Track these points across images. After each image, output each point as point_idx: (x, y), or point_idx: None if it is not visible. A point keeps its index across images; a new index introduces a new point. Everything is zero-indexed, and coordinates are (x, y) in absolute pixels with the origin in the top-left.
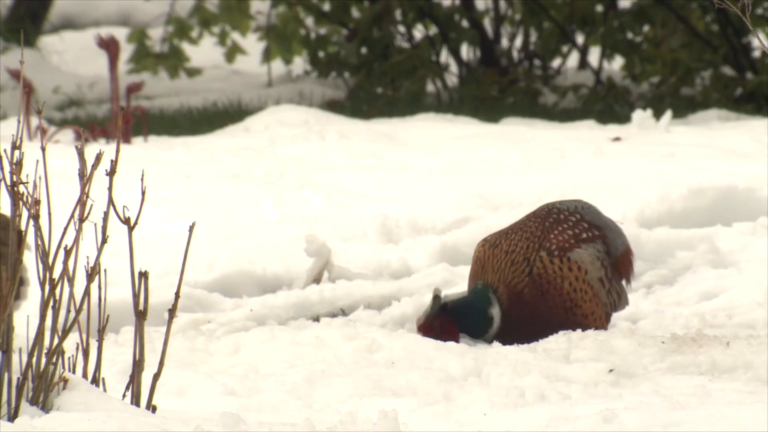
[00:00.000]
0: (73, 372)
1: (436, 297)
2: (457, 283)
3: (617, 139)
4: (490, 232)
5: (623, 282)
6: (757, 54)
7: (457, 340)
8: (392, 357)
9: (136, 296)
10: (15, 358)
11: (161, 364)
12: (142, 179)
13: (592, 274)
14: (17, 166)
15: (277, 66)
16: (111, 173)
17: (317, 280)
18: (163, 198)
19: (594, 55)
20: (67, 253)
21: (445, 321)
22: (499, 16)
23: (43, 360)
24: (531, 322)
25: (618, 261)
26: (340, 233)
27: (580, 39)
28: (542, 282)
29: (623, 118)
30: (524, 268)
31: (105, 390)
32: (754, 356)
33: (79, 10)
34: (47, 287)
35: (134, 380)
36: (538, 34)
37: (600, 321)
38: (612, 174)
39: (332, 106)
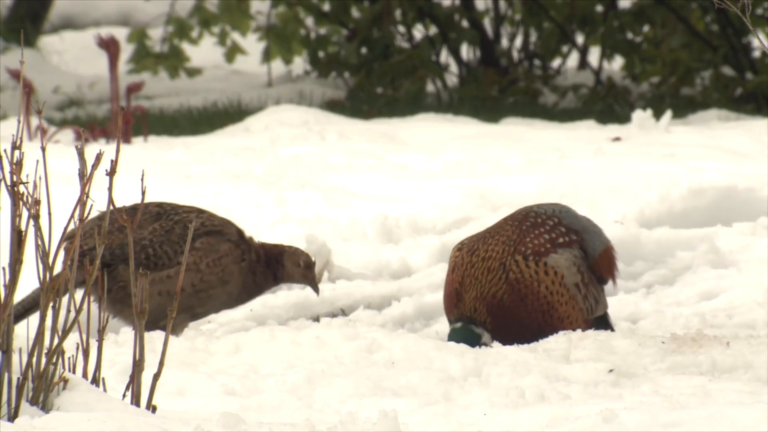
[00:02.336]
0: (73, 372)
1: None
2: None
3: (617, 139)
4: None
5: (609, 282)
6: (757, 54)
7: None
8: (392, 357)
9: (135, 296)
10: (15, 358)
11: (161, 364)
12: (142, 179)
13: (568, 278)
14: (17, 166)
15: (277, 66)
16: (111, 173)
17: (317, 280)
18: (162, 198)
19: (594, 55)
20: (67, 252)
21: None
22: (499, 16)
23: (43, 360)
24: (511, 327)
25: (596, 262)
26: (340, 233)
27: (580, 39)
28: (520, 287)
29: (623, 118)
30: (501, 274)
31: (105, 390)
32: (754, 356)
33: (79, 10)
34: (47, 287)
35: (134, 380)
36: (538, 34)
37: (577, 324)
38: (612, 174)
39: (332, 106)
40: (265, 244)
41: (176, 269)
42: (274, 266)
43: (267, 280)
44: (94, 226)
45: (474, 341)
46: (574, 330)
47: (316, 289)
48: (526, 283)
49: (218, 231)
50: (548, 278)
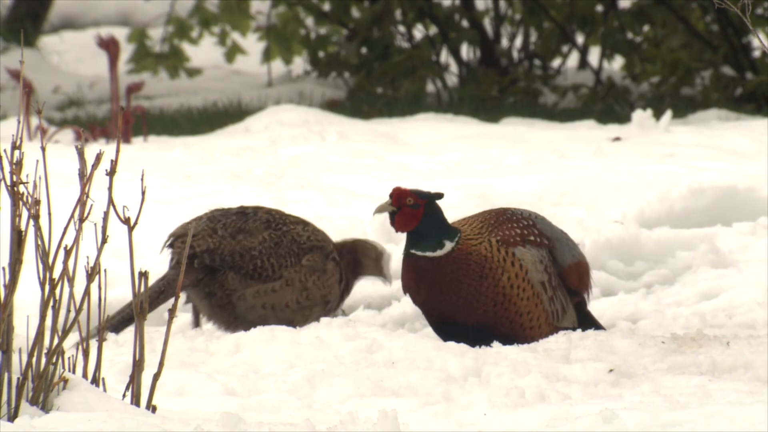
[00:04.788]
0: (73, 372)
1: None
2: None
3: (617, 139)
4: None
5: (585, 296)
6: (757, 54)
7: (411, 229)
8: (392, 357)
9: (136, 296)
10: (15, 358)
11: (161, 364)
12: (142, 179)
13: (533, 275)
14: (17, 166)
15: (277, 66)
16: (111, 173)
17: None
18: (163, 198)
19: (594, 55)
20: (67, 253)
21: (418, 201)
22: (499, 16)
23: (43, 360)
24: (460, 294)
25: (565, 273)
26: (340, 233)
27: (580, 39)
28: (485, 265)
29: (623, 118)
30: (480, 239)
31: (105, 390)
32: (754, 356)
33: (79, 10)
34: (47, 287)
35: (134, 380)
36: (538, 34)
37: (537, 322)
38: (612, 174)
39: (332, 106)
40: (339, 243)
41: (281, 282)
42: (353, 265)
43: (351, 284)
44: (206, 227)
45: (449, 229)
46: (537, 327)
47: (387, 281)
48: (491, 266)
49: (321, 247)
50: (513, 270)
